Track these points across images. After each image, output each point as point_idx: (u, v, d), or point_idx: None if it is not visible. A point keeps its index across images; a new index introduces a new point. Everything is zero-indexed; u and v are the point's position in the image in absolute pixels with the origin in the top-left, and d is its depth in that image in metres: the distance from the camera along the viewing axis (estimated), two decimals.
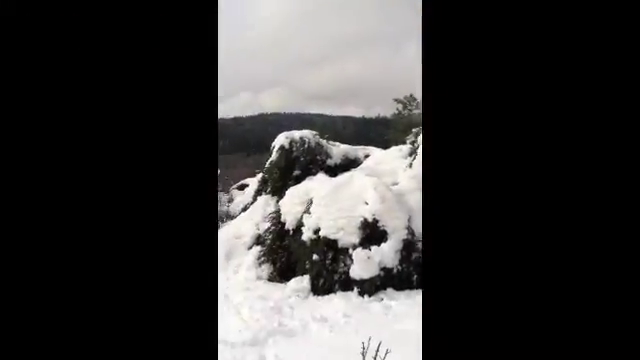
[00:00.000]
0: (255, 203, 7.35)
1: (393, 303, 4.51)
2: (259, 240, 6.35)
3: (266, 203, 6.97)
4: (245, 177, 13.19)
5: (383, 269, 4.89)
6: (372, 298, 4.73)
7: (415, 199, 5.37)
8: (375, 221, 5.15)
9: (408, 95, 15.28)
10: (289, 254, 5.73)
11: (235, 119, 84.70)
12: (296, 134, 7.48)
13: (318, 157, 7.21)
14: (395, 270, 4.91)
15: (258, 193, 7.57)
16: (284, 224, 6.04)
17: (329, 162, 7.23)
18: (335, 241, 5.13)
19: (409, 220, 5.20)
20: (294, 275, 5.35)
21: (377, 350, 2.06)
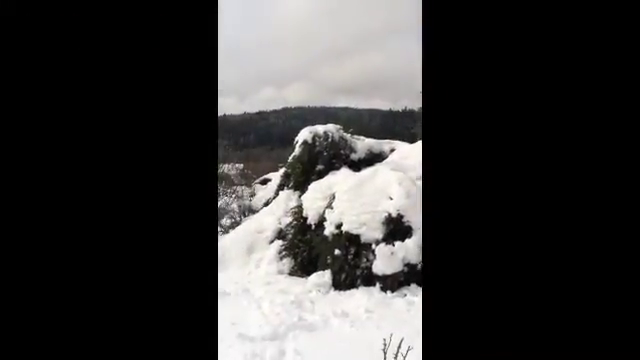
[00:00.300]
0: (277, 198, 7.34)
1: (416, 299, 4.41)
2: (281, 234, 6.34)
3: (288, 198, 6.96)
4: (268, 171, 13.28)
5: (407, 265, 4.80)
6: (395, 294, 4.65)
7: None
8: (400, 216, 5.05)
9: None
10: (311, 249, 5.70)
11: (259, 113, 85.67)
12: (320, 128, 7.43)
13: (342, 151, 7.14)
14: (419, 266, 4.81)
15: (280, 188, 7.57)
16: (306, 219, 6.01)
17: (353, 156, 7.15)
18: (358, 236, 5.06)
19: None
20: (315, 270, 5.31)
21: (399, 346, 2.00)
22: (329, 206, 5.66)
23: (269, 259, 6.05)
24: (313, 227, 5.85)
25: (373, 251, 4.92)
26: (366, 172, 6.06)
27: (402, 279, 4.76)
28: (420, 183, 5.64)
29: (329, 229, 5.40)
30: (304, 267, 5.62)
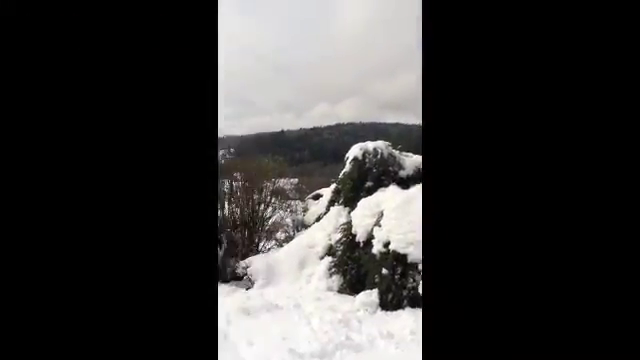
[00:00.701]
0: (328, 213, 7.44)
1: None
2: (331, 251, 6.44)
3: (338, 214, 7.04)
4: (321, 186, 13.42)
5: None
6: None
7: None
8: None
9: None
10: (359, 266, 5.74)
11: (314, 129, 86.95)
12: (369, 145, 7.47)
13: (390, 168, 7.13)
14: None
15: (331, 203, 7.66)
16: (355, 236, 6.06)
17: (401, 173, 7.12)
18: (405, 256, 5.04)
19: None
20: (363, 288, 5.35)
21: None
22: (377, 224, 5.68)
23: (319, 275, 6.16)
24: (362, 245, 5.88)
25: (420, 271, 4.88)
26: (414, 190, 6.02)
27: None
28: None
29: (377, 247, 5.41)
30: (352, 285, 5.66)
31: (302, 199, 12.02)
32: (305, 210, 10.15)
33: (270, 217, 9.25)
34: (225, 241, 7.86)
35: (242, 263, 7.25)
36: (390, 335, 4.11)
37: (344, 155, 7.99)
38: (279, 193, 11.06)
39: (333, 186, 8.17)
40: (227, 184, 8.81)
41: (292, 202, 11.40)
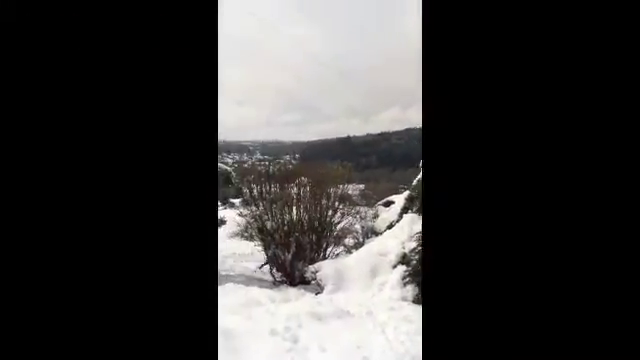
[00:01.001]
0: (401, 221, 7.26)
1: None
2: (404, 259, 6.24)
3: (413, 222, 6.84)
4: (388, 192, 13.21)
5: None
6: None
7: None
8: None
9: None
10: None
11: (381, 134, 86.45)
12: None
13: None
14: None
15: (404, 211, 7.48)
16: None
17: None
18: None
19: None
20: None
21: None
22: None
23: (392, 284, 5.98)
24: None
25: None
26: None
27: None
28: None
29: None
30: None
31: (369, 205, 11.89)
32: (375, 217, 10.00)
33: (338, 223, 9.21)
34: (293, 245, 7.93)
35: (311, 267, 7.23)
36: None
37: (413, 160, 7.78)
38: (346, 199, 11.02)
39: (406, 193, 7.96)
40: (295, 189, 8.91)
41: (361, 208, 11.30)
